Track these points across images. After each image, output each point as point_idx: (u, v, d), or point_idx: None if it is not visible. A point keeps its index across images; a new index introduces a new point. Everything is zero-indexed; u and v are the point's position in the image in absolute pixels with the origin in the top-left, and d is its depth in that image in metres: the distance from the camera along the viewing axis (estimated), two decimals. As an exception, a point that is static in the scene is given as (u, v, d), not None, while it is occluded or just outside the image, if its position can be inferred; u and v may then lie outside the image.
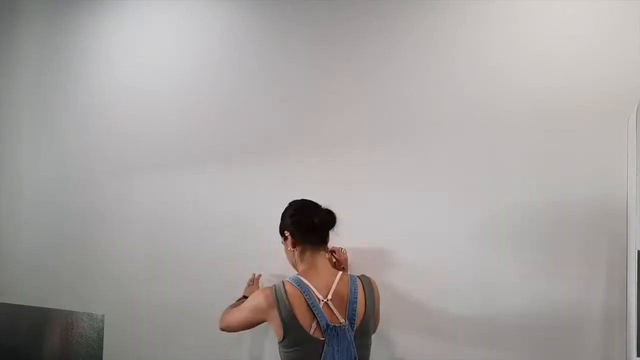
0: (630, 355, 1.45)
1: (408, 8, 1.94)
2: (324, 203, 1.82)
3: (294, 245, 1.60)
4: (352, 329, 1.46)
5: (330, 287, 1.49)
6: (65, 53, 2.76)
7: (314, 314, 1.44)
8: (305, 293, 1.46)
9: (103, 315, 2.53)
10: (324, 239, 1.60)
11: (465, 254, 1.79)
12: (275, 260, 2.10)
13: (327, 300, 1.47)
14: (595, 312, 1.61)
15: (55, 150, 2.75)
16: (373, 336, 1.57)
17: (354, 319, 1.47)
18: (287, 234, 1.63)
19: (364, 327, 1.49)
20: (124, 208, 2.51)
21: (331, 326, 1.43)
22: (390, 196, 1.92)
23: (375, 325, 1.58)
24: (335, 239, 2.00)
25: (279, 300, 1.45)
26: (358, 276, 1.58)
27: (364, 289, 1.53)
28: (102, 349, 2.52)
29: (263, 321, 1.51)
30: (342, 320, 1.46)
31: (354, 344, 1.45)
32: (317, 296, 1.46)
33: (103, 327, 2.52)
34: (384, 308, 1.67)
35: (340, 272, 1.55)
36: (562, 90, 1.69)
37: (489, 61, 1.80)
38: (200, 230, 2.29)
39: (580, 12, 1.68)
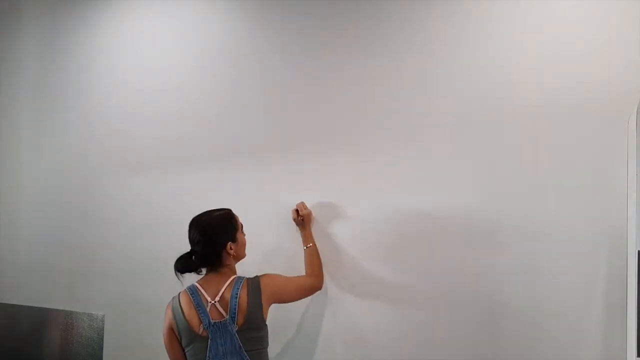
0: (630, 355, 1.45)
1: (410, 10, 1.94)
2: (325, 203, 1.83)
3: None
4: (234, 322, 1.62)
5: (220, 290, 1.66)
6: (66, 53, 2.76)
7: (199, 315, 1.64)
8: (194, 297, 1.67)
9: (103, 315, 2.53)
10: (205, 263, 1.74)
11: (466, 252, 1.79)
12: (277, 258, 2.10)
13: (215, 301, 1.65)
14: (595, 311, 1.61)
15: (55, 150, 2.75)
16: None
17: (234, 314, 1.63)
18: None
19: (249, 322, 1.64)
20: (123, 208, 2.51)
21: (213, 323, 1.63)
22: (392, 196, 1.92)
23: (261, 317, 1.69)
24: (333, 239, 2.00)
25: (174, 308, 1.69)
26: (248, 278, 1.72)
27: (247, 287, 1.68)
28: (102, 349, 2.52)
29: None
30: (224, 317, 1.63)
31: (237, 336, 1.62)
32: (205, 299, 1.66)
33: (103, 327, 2.52)
34: (385, 304, 1.67)
35: (232, 277, 1.70)
36: (563, 90, 1.69)
37: (490, 62, 1.80)
38: (200, 230, 2.29)
39: (580, 12, 1.68)
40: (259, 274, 1.76)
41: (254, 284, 1.70)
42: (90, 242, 2.59)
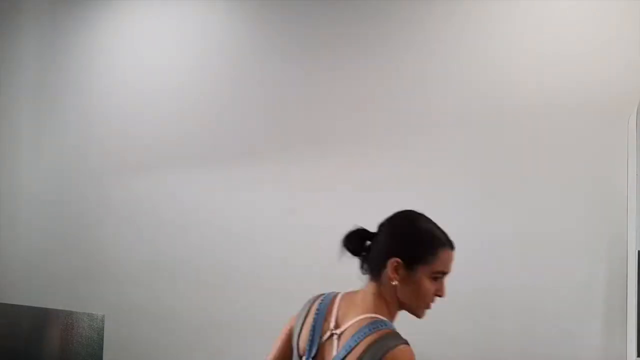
0: (630, 355, 1.45)
1: (410, 10, 1.94)
2: (325, 203, 1.83)
3: None
4: None
5: (348, 322, 1.16)
6: (66, 53, 2.75)
7: (308, 341, 1.20)
8: (318, 313, 1.22)
9: (103, 316, 2.53)
10: (366, 262, 1.25)
11: (465, 254, 1.79)
12: (274, 260, 2.10)
13: (336, 333, 1.16)
14: (595, 312, 1.61)
15: (55, 150, 2.75)
16: None
17: None
18: None
19: None
20: (123, 208, 2.51)
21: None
22: (392, 196, 1.92)
23: None
24: (332, 238, 2.00)
25: (300, 313, 1.27)
26: (383, 332, 1.11)
27: (366, 350, 1.08)
28: (102, 349, 2.52)
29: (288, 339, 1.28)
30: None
31: None
32: (328, 323, 1.19)
33: (103, 327, 2.52)
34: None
35: (370, 316, 1.15)
36: (563, 90, 1.69)
37: (490, 62, 1.80)
38: (200, 230, 2.29)
39: (580, 12, 1.68)
40: (392, 346, 1.08)
41: (376, 350, 1.07)
42: (90, 242, 2.59)
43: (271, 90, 2.17)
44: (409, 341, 1.11)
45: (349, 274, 1.95)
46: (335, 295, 1.26)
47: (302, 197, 2.05)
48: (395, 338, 1.10)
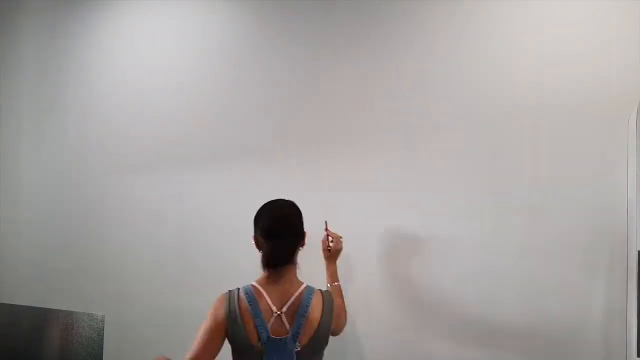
0: (631, 355, 1.45)
1: (410, 10, 1.94)
2: (324, 204, 1.82)
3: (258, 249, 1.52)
4: (295, 342, 1.39)
5: (288, 299, 1.43)
6: (66, 53, 2.76)
7: (257, 327, 1.40)
8: (251, 304, 1.41)
9: (103, 316, 2.53)
10: (280, 259, 1.46)
11: (466, 255, 1.79)
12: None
13: (282, 312, 1.41)
14: (595, 312, 1.61)
15: (56, 150, 2.75)
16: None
17: (299, 332, 1.40)
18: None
19: (314, 343, 1.42)
20: (124, 208, 2.51)
21: (272, 338, 1.38)
22: (392, 196, 1.92)
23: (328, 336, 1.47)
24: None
25: (231, 310, 1.42)
26: (321, 290, 1.50)
27: (322, 304, 1.46)
28: (102, 349, 2.52)
29: (223, 336, 1.42)
30: (287, 332, 1.40)
31: (295, 357, 1.39)
32: (269, 307, 1.41)
33: (103, 327, 2.52)
34: (385, 310, 1.66)
35: (304, 285, 1.47)
36: (563, 90, 1.69)
37: (490, 62, 1.80)
38: (200, 230, 2.29)
39: (580, 12, 1.69)
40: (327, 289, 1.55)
41: (329, 299, 1.48)
42: (90, 242, 2.59)
43: (271, 90, 2.18)
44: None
45: (348, 273, 1.96)
46: (252, 287, 1.45)
47: (302, 197, 2.05)
48: (325, 290, 1.53)
